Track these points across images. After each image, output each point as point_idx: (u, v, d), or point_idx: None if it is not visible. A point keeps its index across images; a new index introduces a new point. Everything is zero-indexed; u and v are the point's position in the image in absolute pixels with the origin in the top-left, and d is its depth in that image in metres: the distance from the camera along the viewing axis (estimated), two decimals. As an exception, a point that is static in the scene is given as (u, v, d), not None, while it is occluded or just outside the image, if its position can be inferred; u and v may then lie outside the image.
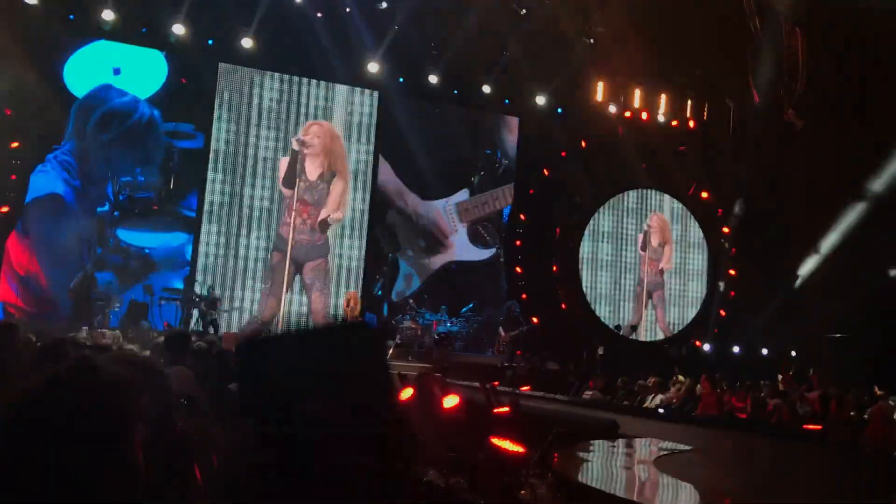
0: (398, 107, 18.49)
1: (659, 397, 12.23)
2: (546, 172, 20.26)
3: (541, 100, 19.46)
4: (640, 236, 21.57)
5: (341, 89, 18.18)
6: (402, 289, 18.92)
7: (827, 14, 17.43)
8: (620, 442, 5.95)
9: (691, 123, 21.36)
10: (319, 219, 17.59)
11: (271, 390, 1.34)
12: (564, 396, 12.62)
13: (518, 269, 20.13)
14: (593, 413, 8.15)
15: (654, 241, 21.73)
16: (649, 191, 21.87)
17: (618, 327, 20.49)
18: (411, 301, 18.42)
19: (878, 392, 9.97)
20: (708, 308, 21.91)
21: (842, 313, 17.63)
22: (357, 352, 1.39)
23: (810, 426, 9.28)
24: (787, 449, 7.09)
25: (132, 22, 16.18)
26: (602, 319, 20.92)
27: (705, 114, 21.53)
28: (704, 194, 21.93)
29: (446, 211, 19.47)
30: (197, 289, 16.06)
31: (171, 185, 16.73)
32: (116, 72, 16.32)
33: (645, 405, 11.85)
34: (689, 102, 21.28)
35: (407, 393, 5.06)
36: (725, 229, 21.91)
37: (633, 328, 20.84)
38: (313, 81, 17.94)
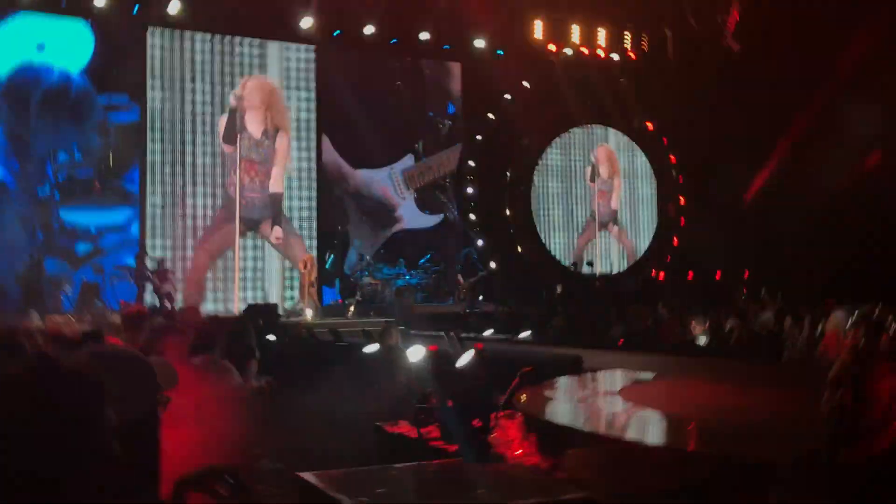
0: (336, 65, 18.14)
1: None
2: (491, 116, 20.19)
3: (480, 43, 19.29)
4: (588, 169, 21.69)
5: (275, 45, 17.72)
6: (354, 262, 18.55)
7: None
8: (585, 376, 6.06)
9: (631, 55, 21.40)
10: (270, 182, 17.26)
11: None
12: (527, 335, 12.77)
13: (472, 216, 20.16)
14: (557, 350, 8.27)
15: (604, 174, 21.88)
16: (594, 126, 21.95)
17: (590, 263, 20.70)
18: (368, 257, 18.36)
19: (832, 305, 10.25)
20: (660, 237, 22.25)
21: (789, 230, 18.05)
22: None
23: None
24: (746, 369, 7.29)
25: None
26: (558, 258, 21.14)
27: (644, 45, 21.56)
28: (649, 125, 22.09)
29: (392, 179, 19.23)
30: (148, 263, 15.76)
31: (111, 161, 16.24)
32: (41, 47, 15.65)
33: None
34: (628, 34, 21.29)
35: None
36: (672, 158, 22.16)
37: (590, 264, 21.10)
38: (246, 39, 17.43)
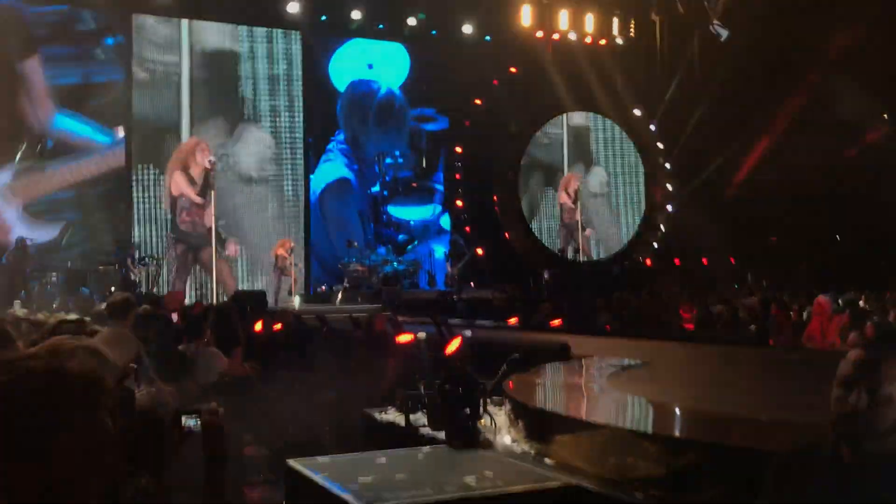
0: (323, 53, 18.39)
1: None
2: (479, 102, 20.11)
3: (468, 29, 19.22)
4: (561, 193, 21.45)
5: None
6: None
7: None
8: (573, 363, 6.06)
9: (619, 41, 21.35)
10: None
11: None
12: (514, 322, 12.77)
13: (459, 203, 20.14)
14: (545, 336, 8.27)
15: (569, 201, 21.54)
16: (582, 112, 21.94)
17: (577, 250, 20.71)
18: (355, 243, 18.30)
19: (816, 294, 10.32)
20: (647, 223, 22.29)
21: (775, 216, 18.14)
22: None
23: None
24: (732, 355, 7.31)
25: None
26: (545, 244, 21.15)
27: (632, 30, 21.51)
28: (636, 111, 22.08)
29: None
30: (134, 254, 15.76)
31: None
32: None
33: None
34: (616, 20, 21.23)
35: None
36: (659, 145, 22.18)
37: (577, 251, 21.12)
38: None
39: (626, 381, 5.11)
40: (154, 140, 16.78)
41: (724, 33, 18.78)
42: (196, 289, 16.85)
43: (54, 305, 12.42)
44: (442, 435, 4.05)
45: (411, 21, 18.74)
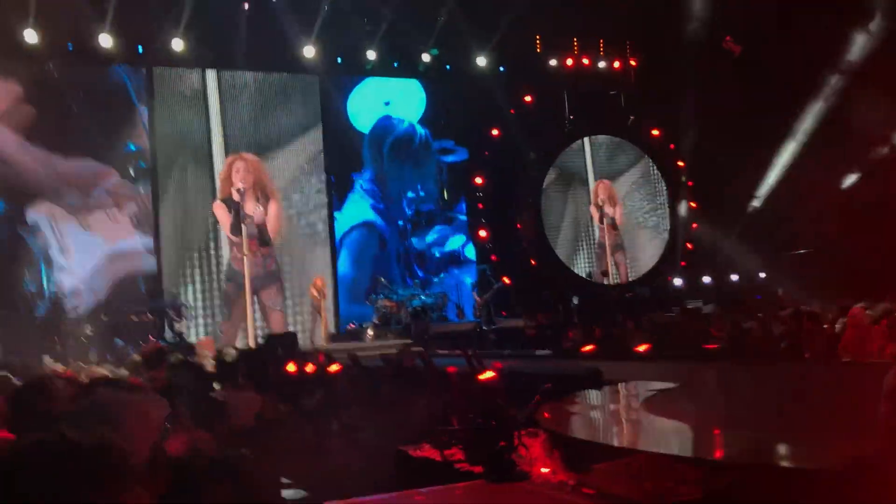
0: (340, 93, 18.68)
1: None
2: (496, 132, 20.22)
3: (482, 61, 19.40)
4: (594, 211, 21.44)
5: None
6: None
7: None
8: (606, 389, 6.02)
9: (632, 63, 21.40)
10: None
11: None
12: (545, 351, 12.72)
13: (483, 232, 20.17)
14: (575, 364, 8.24)
15: (608, 211, 21.55)
16: (600, 136, 21.95)
17: (605, 272, 20.67)
18: (383, 279, 18.38)
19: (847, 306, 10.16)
20: (673, 243, 22.15)
21: (802, 228, 17.96)
22: None
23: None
24: (767, 372, 7.23)
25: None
26: (573, 269, 21.08)
27: (644, 52, 21.57)
28: (655, 132, 22.05)
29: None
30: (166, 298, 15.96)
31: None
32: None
33: None
34: (628, 43, 21.30)
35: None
36: (680, 163, 22.10)
37: (604, 273, 21.02)
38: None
39: (661, 405, 5.07)
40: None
41: (737, 50, 18.78)
42: (244, 329, 16.74)
43: (92, 359, 12.56)
44: (478, 469, 4.04)
45: (425, 57, 18.96)
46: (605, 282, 20.99)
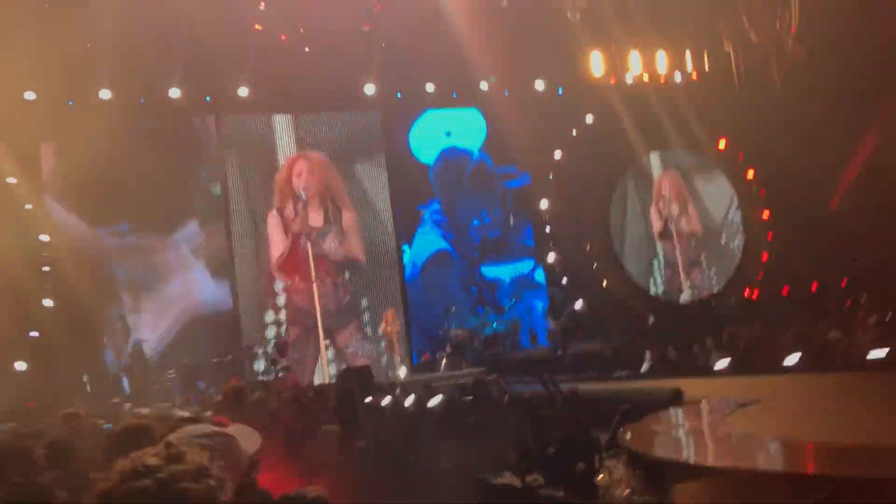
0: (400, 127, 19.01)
1: None
2: (559, 154, 20.17)
3: (539, 84, 19.43)
4: (655, 221, 21.13)
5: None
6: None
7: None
8: (688, 407, 5.91)
9: (694, 75, 21.13)
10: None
11: None
12: (623, 372, 12.54)
13: (552, 256, 20.05)
14: (655, 384, 8.10)
15: (674, 210, 21.24)
16: (666, 151, 21.68)
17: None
18: (454, 308, 18.40)
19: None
20: (748, 254, 21.64)
21: (882, 229, 17.34)
22: None
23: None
24: (851, 382, 6.98)
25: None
26: (645, 289, 20.77)
27: (706, 63, 21.27)
28: (722, 143, 21.67)
29: None
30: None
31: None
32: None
33: None
34: (689, 55, 21.05)
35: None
36: (750, 173, 21.65)
37: (679, 290, 20.65)
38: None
39: (744, 421, 4.95)
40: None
41: (802, 54, 18.38)
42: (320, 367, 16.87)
43: (175, 402, 12.87)
44: (561, 494, 4.01)
45: (483, 86, 19.09)
46: (681, 299, 20.61)
